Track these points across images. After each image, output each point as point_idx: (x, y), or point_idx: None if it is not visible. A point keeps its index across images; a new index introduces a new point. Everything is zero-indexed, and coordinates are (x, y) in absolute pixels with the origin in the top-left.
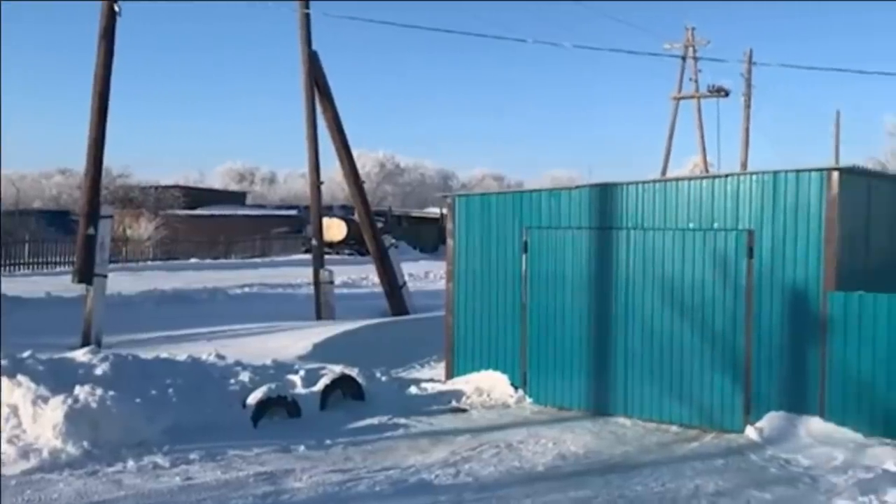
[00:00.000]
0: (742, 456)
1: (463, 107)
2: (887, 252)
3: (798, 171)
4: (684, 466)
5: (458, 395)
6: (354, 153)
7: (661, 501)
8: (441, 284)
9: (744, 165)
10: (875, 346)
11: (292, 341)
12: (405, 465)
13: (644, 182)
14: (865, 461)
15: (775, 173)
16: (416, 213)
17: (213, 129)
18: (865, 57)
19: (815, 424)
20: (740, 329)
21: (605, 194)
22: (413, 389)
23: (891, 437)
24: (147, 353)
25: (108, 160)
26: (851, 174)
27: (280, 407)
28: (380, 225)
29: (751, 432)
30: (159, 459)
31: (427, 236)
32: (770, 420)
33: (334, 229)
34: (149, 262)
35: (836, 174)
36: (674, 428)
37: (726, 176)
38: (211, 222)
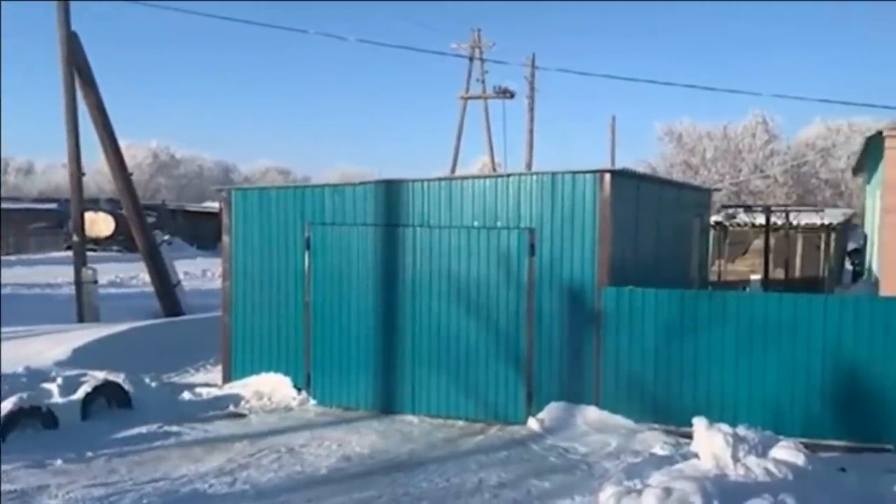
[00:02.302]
0: (524, 447)
1: (244, 98)
2: (654, 249)
3: (574, 172)
4: (469, 460)
5: (235, 399)
6: (125, 143)
7: (446, 496)
8: (220, 283)
9: (528, 166)
10: (644, 337)
11: (49, 346)
12: (176, 476)
13: (430, 180)
14: (635, 446)
15: (553, 174)
16: (192, 207)
17: None
18: (641, 66)
19: (591, 413)
20: (523, 324)
21: (390, 191)
22: (186, 395)
23: (658, 423)
24: None
25: None
26: (622, 176)
27: (33, 418)
28: (152, 220)
29: (533, 423)
30: None
31: (205, 232)
32: (550, 411)
33: (101, 224)
34: None
35: (608, 176)
36: (460, 423)
37: (508, 176)
38: None
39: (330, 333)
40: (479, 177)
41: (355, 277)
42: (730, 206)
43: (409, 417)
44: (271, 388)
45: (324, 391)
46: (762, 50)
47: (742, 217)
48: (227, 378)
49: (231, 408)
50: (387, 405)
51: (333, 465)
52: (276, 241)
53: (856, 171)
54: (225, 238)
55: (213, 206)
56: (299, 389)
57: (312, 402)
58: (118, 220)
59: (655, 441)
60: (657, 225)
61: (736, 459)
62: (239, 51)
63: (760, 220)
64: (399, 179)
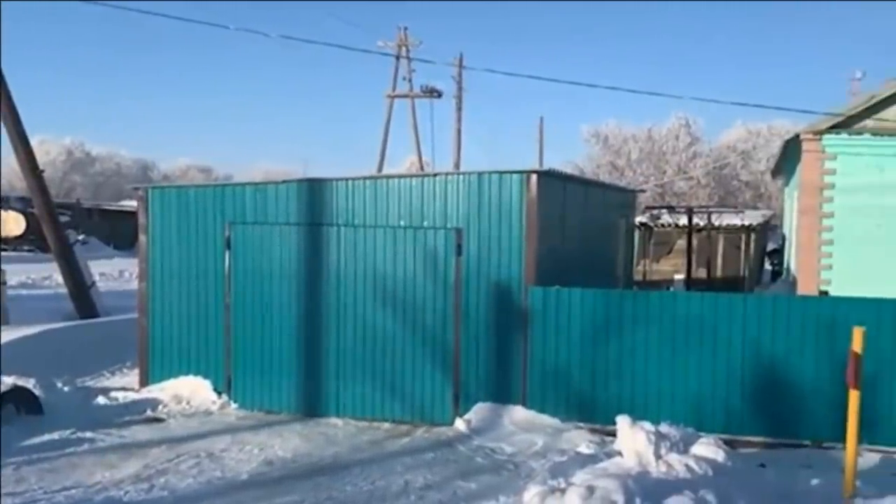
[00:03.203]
0: (451, 448)
1: (164, 95)
2: (580, 249)
3: (501, 172)
4: (395, 462)
5: (153, 403)
6: (37, 139)
7: (371, 499)
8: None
9: (457, 166)
10: (570, 336)
11: None
12: (90, 483)
13: (355, 179)
14: (562, 445)
15: (480, 174)
16: (109, 206)
17: None
18: (570, 69)
19: (518, 413)
20: (450, 325)
21: (314, 190)
22: (101, 399)
23: (584, 421)
24: None
25: None
26: (548, 177)
27: None
28: (66, 219)
29: (460, 424)
30: None
31: (123, 232)
32: (477, 411)
33: (11, 223)
34: None
35: (534, 176)
36: (386, 425)
37: (435, 175)
38: None
39: (251, 335)
40: (405, 176)
41: (278, 278)
42: (654, 207)
43: (334, 420)
44: (190, 391)
45: (245, 394)
46: (688, 53)
47: (666, 218)
48: (145, 382)
49: (148, 412)
50: (311, 408)
51: (255, 470)
52: (194, 240)
53: (774, 173)
54: (142, 238)
55: (130, 204)
56: (220, 393)
57: (233, 405)
58: (29, 218)
59: (581, 440)
60: (583, 225)
61: (658, 457)
62: (158, 47)
63: (684, 220)
64: (323, 178)
